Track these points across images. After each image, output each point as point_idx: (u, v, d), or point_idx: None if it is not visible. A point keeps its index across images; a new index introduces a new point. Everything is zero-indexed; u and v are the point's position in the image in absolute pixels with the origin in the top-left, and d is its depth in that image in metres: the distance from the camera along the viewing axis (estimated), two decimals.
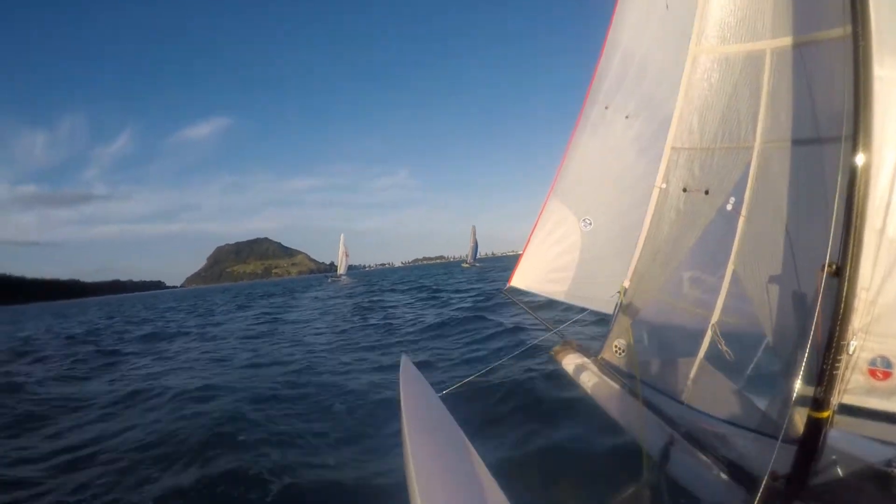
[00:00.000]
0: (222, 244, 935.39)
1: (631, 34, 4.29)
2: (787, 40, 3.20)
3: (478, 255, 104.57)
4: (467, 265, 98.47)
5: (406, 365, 4.48)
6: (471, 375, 5.50)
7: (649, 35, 4.17)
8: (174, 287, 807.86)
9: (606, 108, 4.46)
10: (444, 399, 3.88)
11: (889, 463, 2.82)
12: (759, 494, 2.69)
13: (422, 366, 8.84)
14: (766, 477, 2.80)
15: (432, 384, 4.30)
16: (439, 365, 10.66)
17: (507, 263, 77.43)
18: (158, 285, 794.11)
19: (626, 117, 4.34)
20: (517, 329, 13.40)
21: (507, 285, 5.38)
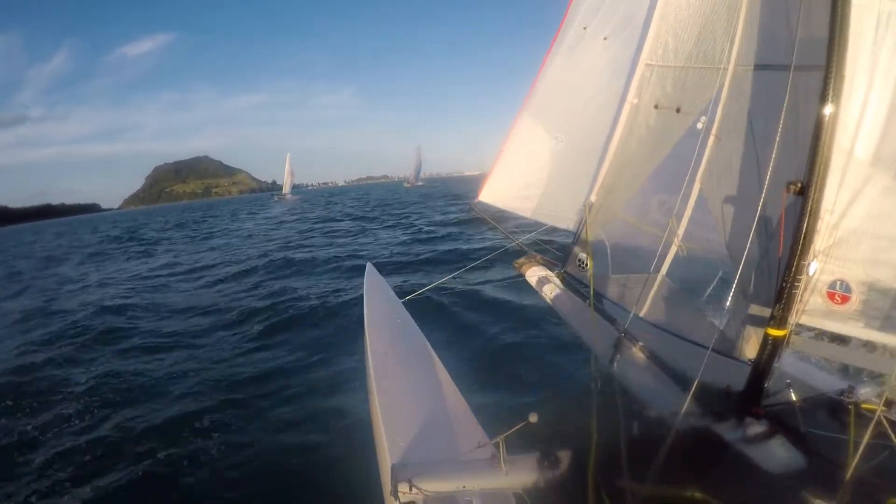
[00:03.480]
0: (161, 164, 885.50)
1: None
2: None
3: (423, 176, 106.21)
4: (409, 185, 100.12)
5: (371, 271, 4.49)
6: (433, 283, 5.53)
7: None
8: (110, 209, 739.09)
9: (585, 28, 4.36)
10: (406, 305, 3.88)
11: (842, 392, 2.90)
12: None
13: None
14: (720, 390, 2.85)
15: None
16: None
17: (452, 186, 79.11)
18: (93, 208, 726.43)
19: (605, 38, 4.25)
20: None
21: (476, 199, 5.33)
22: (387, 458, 2.74)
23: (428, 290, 5.23)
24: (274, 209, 62.08)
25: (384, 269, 9.35)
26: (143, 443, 5.32)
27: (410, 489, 2.47)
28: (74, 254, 30.83)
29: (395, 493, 2.49)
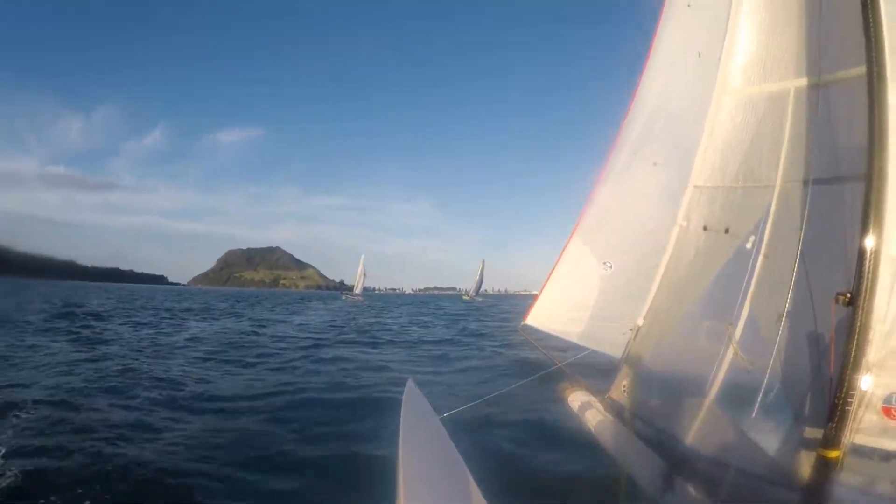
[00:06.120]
0: (234, 248, 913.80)
1: (662, 84, 4.31)
2: (808, 80, 3.22)
3: (487, 291, 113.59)
4: (468, 297, 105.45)
5: (410, 388, 4.56)
6: (474, 401, 5.49)
7: (681, 85, 4.17)
8: (177, 284, 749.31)
9: (635, 154, 4.45)
10: (444, 422, 3.90)
11: None
12: None
13: None
14: None
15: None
16: None
17: (516, 302, 79.56)
18: (161, 280, 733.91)
19: (654, 164, 4.31)
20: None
21: (522, 323, 5.28)
22: None
23: (466, 408, 5.20)
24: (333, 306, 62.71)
25: None
26: None
27: None
28: None
29: None
